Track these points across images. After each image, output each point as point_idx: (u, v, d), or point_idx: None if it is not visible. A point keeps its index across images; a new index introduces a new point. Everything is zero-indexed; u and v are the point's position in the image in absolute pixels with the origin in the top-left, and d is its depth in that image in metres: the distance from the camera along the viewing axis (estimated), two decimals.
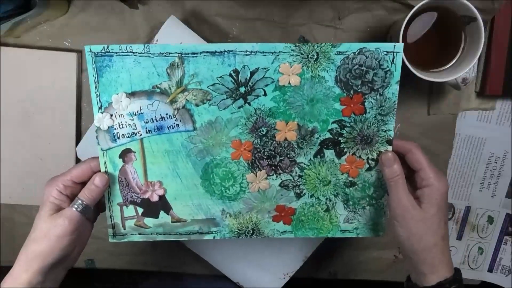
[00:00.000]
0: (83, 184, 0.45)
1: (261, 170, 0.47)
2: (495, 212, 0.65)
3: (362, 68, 0.43)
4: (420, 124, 0.61)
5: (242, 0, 0.58)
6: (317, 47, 0.43)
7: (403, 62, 0.49)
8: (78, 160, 0.61)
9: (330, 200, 0.48)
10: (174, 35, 0.56)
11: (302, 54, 0.43)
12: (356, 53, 0.43)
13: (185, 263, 0.65)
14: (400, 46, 0.43)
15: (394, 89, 0.44)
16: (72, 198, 0.44)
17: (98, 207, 0.47)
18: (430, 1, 0.49)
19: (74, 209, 0.43)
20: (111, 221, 0.48)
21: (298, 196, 0.48)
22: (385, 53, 0.43)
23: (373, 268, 0.65)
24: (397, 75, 0.43)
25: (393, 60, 0.43)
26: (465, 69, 0.51)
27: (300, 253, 0.60)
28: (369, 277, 0.65)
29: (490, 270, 0.67)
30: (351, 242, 0.64)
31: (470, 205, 0.65)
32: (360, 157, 0.46)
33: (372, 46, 0.43)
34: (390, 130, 0.45)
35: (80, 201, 0.43)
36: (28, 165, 0.61)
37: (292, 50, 0.43)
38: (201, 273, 0.65)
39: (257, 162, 0.46)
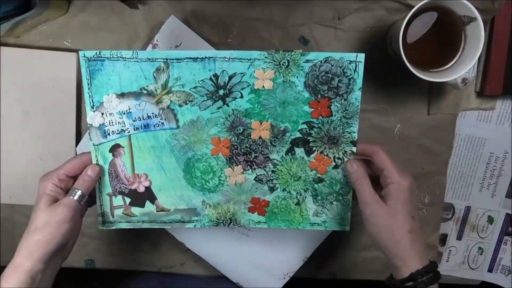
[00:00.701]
0: (75, 178, 0.48)
1: (238, 165, 0.51)
2: (495, 212, 0.65)
3: (328, 75, 0.47)
4: (420, 124, 0.61)
5: (242, 0, 0.58)
6: (288, 55, 0.47)
7: (403, 62, 0.50)
8: None
9: (301, 195, 0.52)
10: (174, 35, 0.56)
11: (274, 61, 0.47)
12: (323, 61, 0.47)
13: (185, 264, 0.65)
14: (361, 56, 0.46)
15: (357, 95, 0.48)
16: (66, 191, 0.47)
17: (87, 202, 0.50)
18: (430, 1, 0.49)
19: (71, 197, 0.46)
20: (101, 209, 0.52)
21: (271, 189, 0.52)
22: (348, 62, 0.47)
23: (373, 268, 0.65)
24: (359, 82, 0.47)
25: (355, 69, 0.47)
26: (465, 69, 0.51)
27: (300, 253, 0.60)
28: (369, 277, 0.65)
29: (490, 270, 0.67)
30: (350, 242, 0.64)
31: (470, 205, 0.65)
32: (327, 155, 0.50)
33: (336, 55, 0.46)
34: (354, 132, 0.49)
35: (76, 190, 0.46)
36: (28, 165, 0.61)
37: (265, 57, 0.47)
38: (201, 273, 0.65)
39: (234, 158, 0.51)
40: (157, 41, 0.56)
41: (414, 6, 0.49)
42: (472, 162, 0.63)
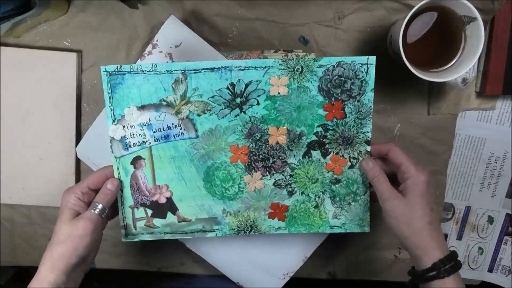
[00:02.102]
0: (98, 191, 0.49)
1: (256, 171, 0.52)
2: (495, 212, 0.65)
3: (341, 78, 0.48)
4: (420, 124, 0.61)
5: (242, 0, 0.58)
6: (302, 61, 0.48)
7: (403, 62, 0.50)
8: (78, 160, 0.61)
9: (319, 197, 0.53)
10: (174, 35, 0.56)
11: (289, 67, 0.48)
12: (335, 66, 0.48)
13: (185, 263, 0.65)
14: (372, 58, 0.48)
15: (369, 96, 0.49)
16: (88, 204, 0.48)
17: (108, 215, 0.51)
18: (430, 1, 0.49)
19: (92, 211, 0.47)
20: (123, 222, 0.52)
21: (290, 194, 0.53)
22: (360, 65, 0.48)
23: (373, 268, 0.65)
24: (371, 83, 0.49)
25: (367, 71, 0.48)
26: (465, 69, 0.51)
27: (300, 253, 0.60)
28: (369, 277, 0.65)
29: (490, 270, 0.67)
30: (351, 242, 0.64)
31: (470, 205, 0.65)
32: (342, 156, 0.51)
33: (348, 59, 0.48)
34: (368, 132, 0.50)
35: (97, 204, 0.47)
36: (28, 165, 0.61)
37: (280, 64, 0.48)
38: (201, 273, 0.65)
39: (253, 164, 0.51)
40: (157, 41, 0.56)
41: (414, 6, 0.49)
42: (472, 162, 0.63)
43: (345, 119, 0.50)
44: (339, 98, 0.49)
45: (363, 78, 0.48)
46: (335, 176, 0.52)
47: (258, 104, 0.49)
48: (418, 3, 0.49)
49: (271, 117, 0.50)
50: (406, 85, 0.60)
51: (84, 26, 0.59)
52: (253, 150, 0.51)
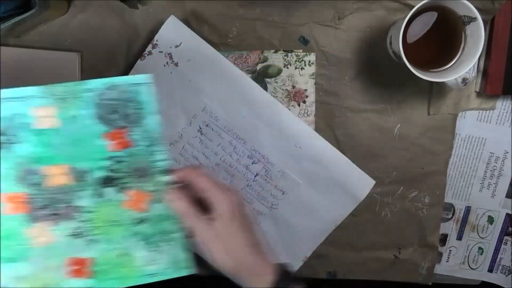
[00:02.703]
0: None
1: (42, 222, 0.42)
2: (495, 212, 0.65)
3: (117, 102, 0.42)
4: (420, 124, 0.61)
5: (242, 0, 0.58)
6: (66, 87, 0.42)
7: (403, 62, 0.50)
8: None
9: (125, 243, 0.44)
10: (174, 35, 0.56)
11: (53, 95, 0.42)
12: (106, 89, 0.42)
13: None
14: (145, 77, 0.42)
15: (154, 119, 0.43)
16: None
17: None
18: (430, 1, 0.49)
19: None
20: None
21: (90, 243, 0.44)
22: (132, 85, 0.42)
23: (373, 268, 0.65)
24: (151, 105, 0.42)
25: (144, 91, 0.42)
26: (465, 69, 0.51)
27: (300, 253, 0.60)
28: (369, 277, 0.65)
29: (490, 270, 0.67)
30: (351, 243, 0.64)
31: (470, 205, 0.65)
32: (141, 190, 0.44)
33: (119, 80, 0.42)
34: (163, 160, 0.44)
35: None
36: None
37: (42, 93, 0.41)
38: (201, 273, 0.65)
39: (35, 214, 0.42)
40: (157, 41, 0.56)
41: (414, 6, 0.49)
42: (472, 162, 0.63)
43: (134, 148, 0.43)
44: (120, 125, 0.42)
45: (139, 100, 0.42)
46: (138, 215, 0.44)
47: (24, 141, 0.41)
48: (418, 3, 0.49)
49: (45, 154, 0.42)
50: (406, 85, 0.60)
51: (84, 26, 0.59)
52: (32, 196, 0.42)
